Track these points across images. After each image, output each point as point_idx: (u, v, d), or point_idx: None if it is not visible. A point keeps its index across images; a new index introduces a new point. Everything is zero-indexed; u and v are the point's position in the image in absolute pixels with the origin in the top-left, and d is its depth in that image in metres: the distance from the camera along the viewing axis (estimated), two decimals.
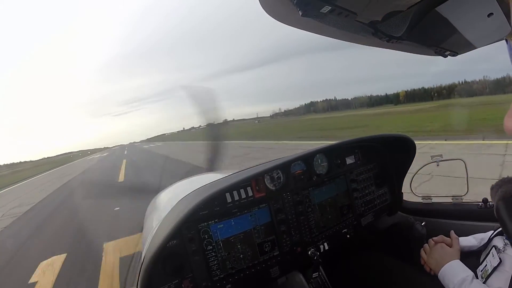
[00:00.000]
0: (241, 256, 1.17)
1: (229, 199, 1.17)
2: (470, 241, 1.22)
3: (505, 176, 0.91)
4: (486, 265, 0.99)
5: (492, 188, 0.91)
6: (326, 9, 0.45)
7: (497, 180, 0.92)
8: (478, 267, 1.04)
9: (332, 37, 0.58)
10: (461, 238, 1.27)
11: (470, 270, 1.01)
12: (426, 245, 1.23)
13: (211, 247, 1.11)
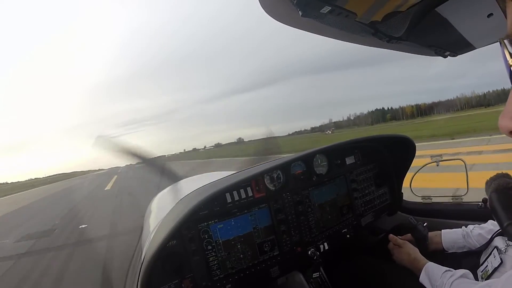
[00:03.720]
0: (241, 256, 1.17)
1: (229, 199, 1.17)
2: (453, 236, 1.25)
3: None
4: (487, 265, 0.99)
5: (487, 182, 0.96)
6: (326, 9, 0.45)
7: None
8: (479, 267, 1.04)
9: (332, 38, 0.58)
10: (444, 232, 1.29)
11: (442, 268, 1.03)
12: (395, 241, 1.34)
13: (211, 247, 1.11)
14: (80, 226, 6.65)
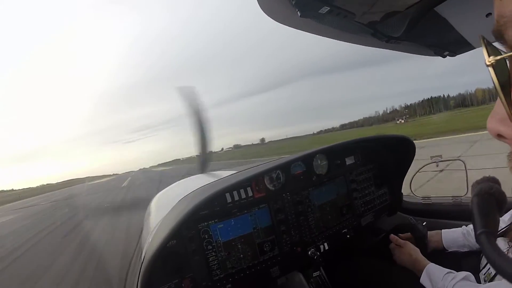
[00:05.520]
0: (241, 256, 1.17)
1: (229, 199, 1.17)
2: (453, 235, 1.26)
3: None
4: (489, 268, 0.99)
5: (473, 185, 0.95)
6: (324, 9, 0.46)
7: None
8: (481, 270, 1.03)
9: (331, 38, 0.58)
10: (444, 231, 1.30)
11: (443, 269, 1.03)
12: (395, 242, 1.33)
13: (211, 247, 1.11)
14: None
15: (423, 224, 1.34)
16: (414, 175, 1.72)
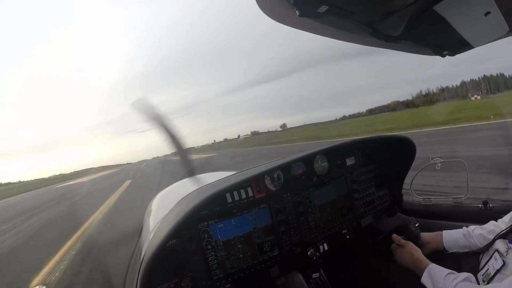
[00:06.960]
0: (241, 256, 1.17)
1: (229, 199, 1.17)
2: (454, 236, 1.25)
3: None
4: (488, 269, 0.99)
5: None
6: (323, 8, 0.46)
7: None
8: (479, 271, 1.03)
9: (330, 37, 0.58)
10: (445, 232, 1.28)
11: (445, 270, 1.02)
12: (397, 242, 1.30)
13: (210, 247, 1.11)
14: None
15: (416, 225, 1.33)
16: (414, 176, 1.71)
